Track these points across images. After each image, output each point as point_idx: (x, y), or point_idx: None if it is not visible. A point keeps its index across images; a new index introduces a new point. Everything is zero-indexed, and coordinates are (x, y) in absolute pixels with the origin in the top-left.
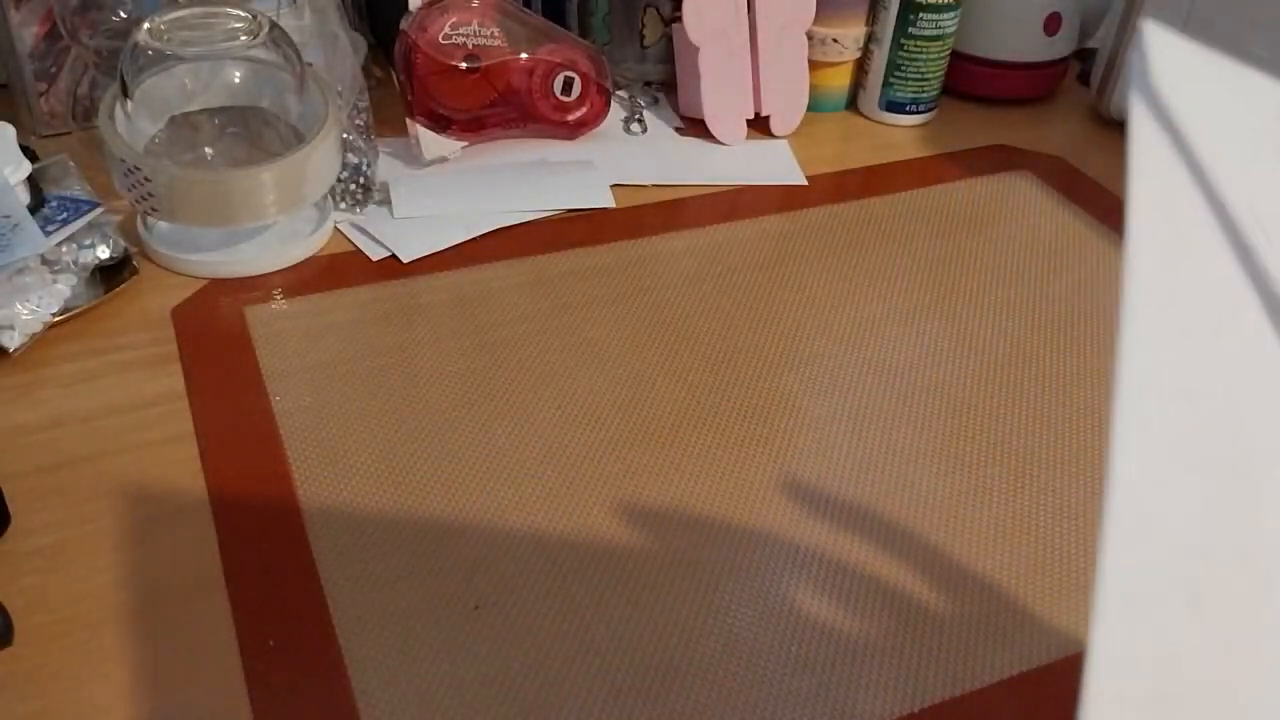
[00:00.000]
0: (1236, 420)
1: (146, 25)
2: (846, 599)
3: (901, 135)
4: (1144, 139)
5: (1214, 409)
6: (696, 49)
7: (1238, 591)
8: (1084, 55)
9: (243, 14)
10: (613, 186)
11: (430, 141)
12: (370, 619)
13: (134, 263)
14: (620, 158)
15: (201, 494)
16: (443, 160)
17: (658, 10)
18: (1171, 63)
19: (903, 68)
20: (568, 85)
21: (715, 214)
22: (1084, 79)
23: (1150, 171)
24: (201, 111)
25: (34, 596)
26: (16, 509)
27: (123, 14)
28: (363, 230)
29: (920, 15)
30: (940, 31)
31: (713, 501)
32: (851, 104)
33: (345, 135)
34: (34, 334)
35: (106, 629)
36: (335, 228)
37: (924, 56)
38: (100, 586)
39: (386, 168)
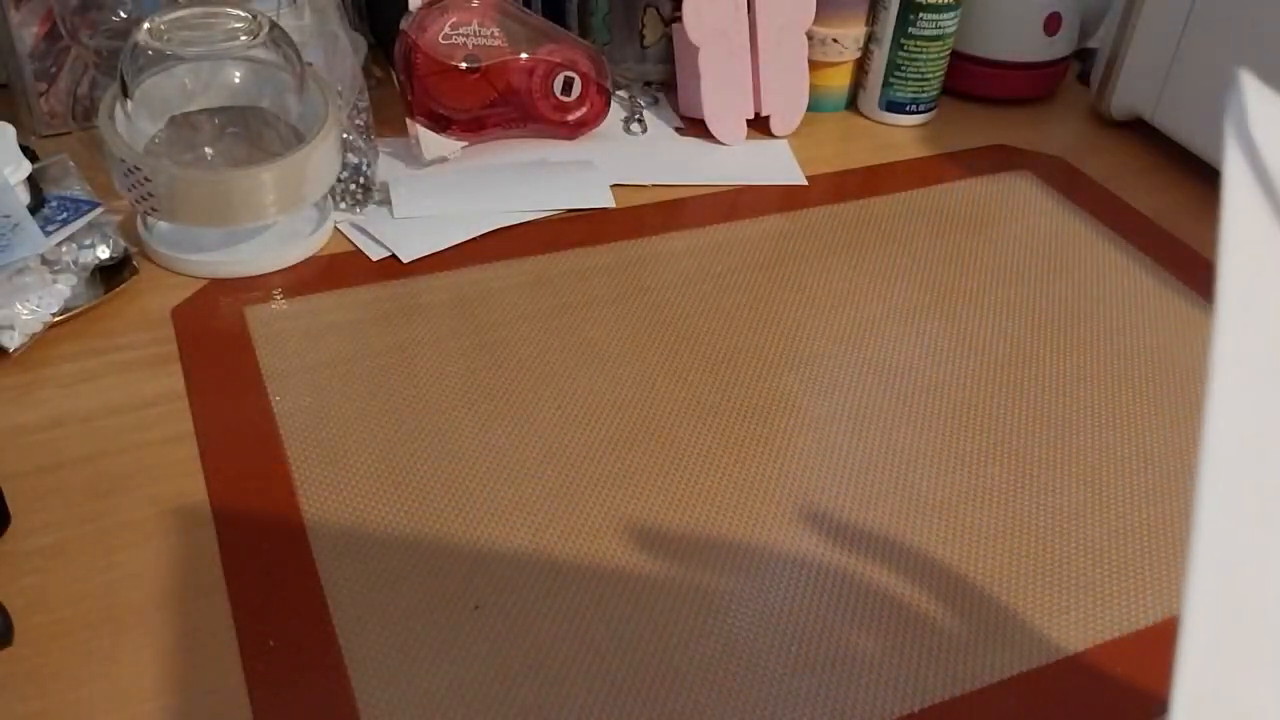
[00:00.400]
0: None
1: (146, 25)
2: (846, 599)
3: (901, 135)
4: (1239, 190)
5: None
6: (696, 49)
7: None
8: (1084, 55)
9: (243, 14)
10: (613, 186)
11: (430, 141)
12: (370, 619)
13: (134, 263)
14: (620, 158)
15: (201, 494)
16: (443, 160)
17: (658, 10)
18: (1267, 114)
19: (903, 68)
20: (568, 85)
21: (715, 214)
22: (1084, 79)
23: (1244, 223)
24: (201, 111)
25: (34, 596)
26: (16, 509)
27: (123, 14)
28: (363, 230)
29: (920, 15)
30: (940, 31)
31: (712, 501)
32: (851, 104)
33: (345, 135)
34: (34, 334)
35: (106, 629)
36: (335, 228)
37: (924, 56)
38: (100, 586)
39: (386, 168)
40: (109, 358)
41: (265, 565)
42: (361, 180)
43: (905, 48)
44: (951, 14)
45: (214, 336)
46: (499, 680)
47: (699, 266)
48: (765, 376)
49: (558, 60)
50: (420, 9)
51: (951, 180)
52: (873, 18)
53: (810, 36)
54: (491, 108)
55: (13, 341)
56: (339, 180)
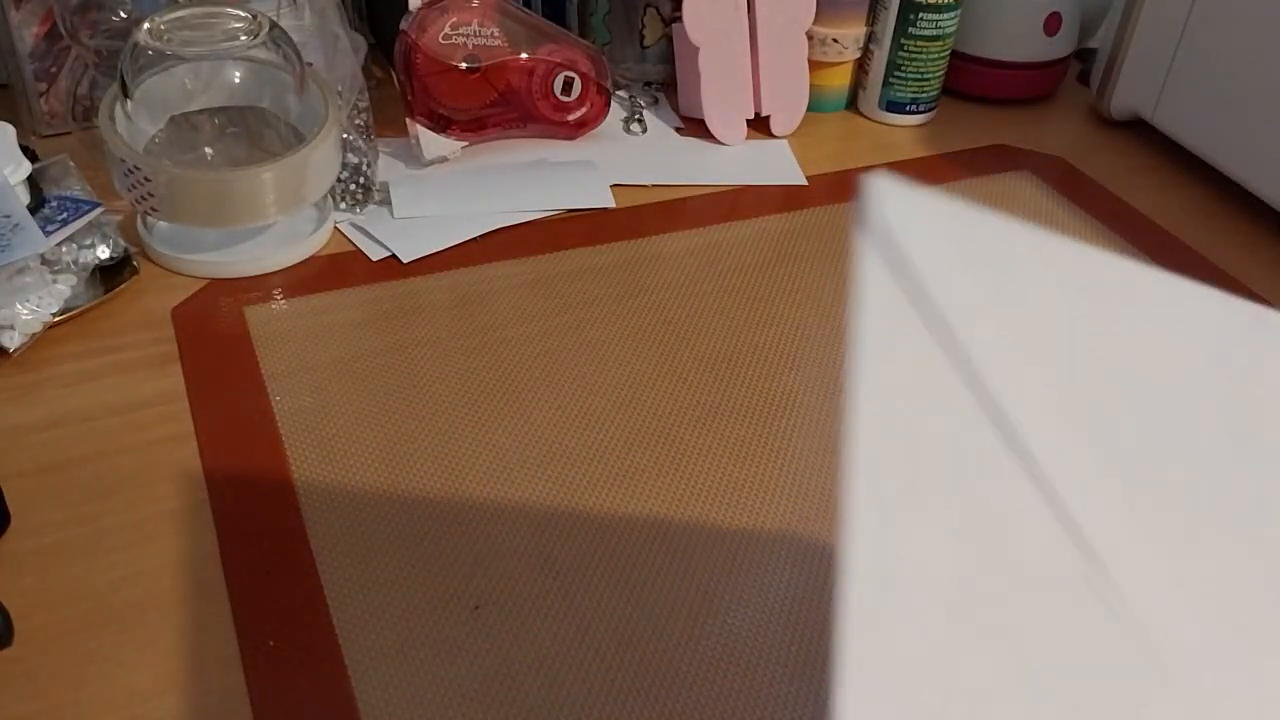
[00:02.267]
0: (952, 480)
1: (146, 25)
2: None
3: (901, 135)
4: (871, 265)
5: (928, 468)
6: (696, 49)
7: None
8: (1084, 55)
9: (243, 14)
10: (613, 186)
11: (430, 141)
12: (370, 619)
13: (134, 263)
14: (620, 158)
15: (201, 494)
16: (443, 160)
17: (658, 10)
18: (894, 203)
19: (903, 68)
20: (568, 85)
21: (715, 214)
22: (1084, 79)
23: (875, 288)
24: (201, 111)
25: (34, 596)
26: (16, 509)
27: (123, 14)
28: (363, 230)
29: (920, 15)
30: (940, 31)
31: (713, 501)
32: (851, 104)
33: (345, 135)
34: (34, 334)
35: (106, 629)
36: (335, 228)
37: (924, 56)
38: (100, 586)
39: (386, 168)
40: (109, 358)
41: (265, 565)
42: (361, 180)
43: (905, 48)
44: (951, 14)
45: (214, 336)
46: (499, 680)
47: (699, 266)
48: (765, 376)
49: (558, 60)
50: (420, 9)
51: (951, 180)
52: (873, 18)
53: (810, 36)
54: (491, 108)
55: (13, 341)
56: (339, 180)
